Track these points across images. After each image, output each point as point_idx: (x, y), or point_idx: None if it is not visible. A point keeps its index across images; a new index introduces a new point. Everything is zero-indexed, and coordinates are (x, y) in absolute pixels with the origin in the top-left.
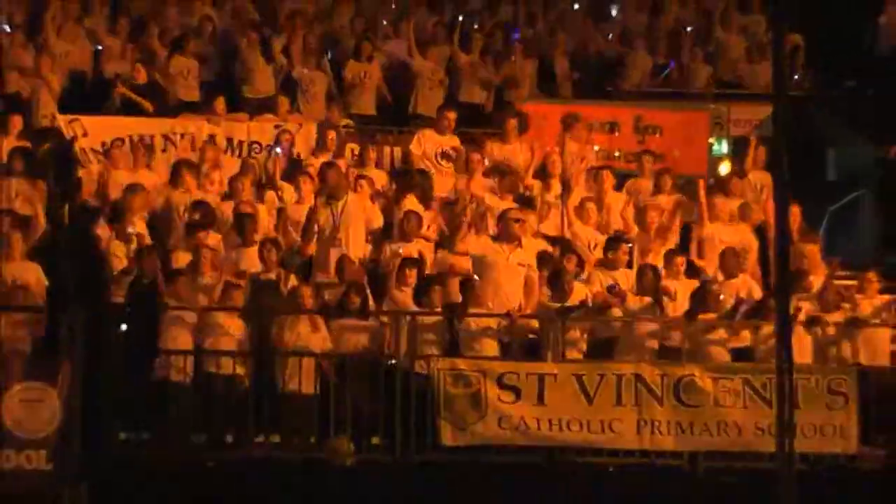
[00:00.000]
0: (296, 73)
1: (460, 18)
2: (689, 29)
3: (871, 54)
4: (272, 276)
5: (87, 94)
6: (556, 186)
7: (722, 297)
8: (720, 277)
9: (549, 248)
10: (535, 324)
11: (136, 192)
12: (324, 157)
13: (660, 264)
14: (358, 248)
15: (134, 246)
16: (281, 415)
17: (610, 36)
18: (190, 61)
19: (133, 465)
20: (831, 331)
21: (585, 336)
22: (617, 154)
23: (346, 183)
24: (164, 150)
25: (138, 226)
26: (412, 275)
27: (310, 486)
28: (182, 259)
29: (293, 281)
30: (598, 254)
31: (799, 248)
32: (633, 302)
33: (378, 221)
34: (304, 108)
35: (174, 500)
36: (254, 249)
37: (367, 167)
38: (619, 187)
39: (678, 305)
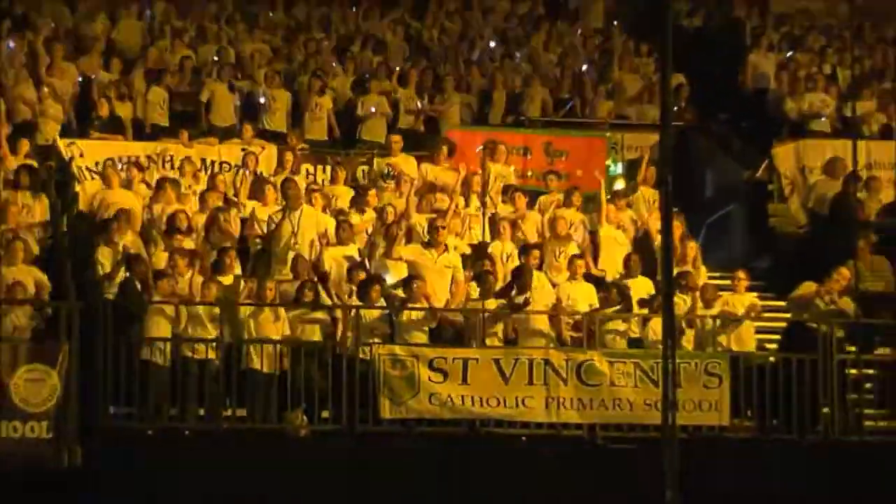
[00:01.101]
0: (261, 93)
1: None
2: (584, 68)
3: (741, 92)
4: (239, 273)
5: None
6: (477, 202)
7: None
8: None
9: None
10: (460, 316)
11: (123, 213)
12: (283, 175)
13: (565, 267)
14: (311, 251)
15: (120, 257)
16: (246, 392)
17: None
18: (164, 92)
19: (120, 434)
20: (709, 323)
21: (503, 327)
22: (530, 174)
23: (302, 196)
24: (147, 168)
25: (128, 237)
26: (358, 276)
27: (270, 453)
28: (161, 260)
29: (257, 277)
30: (513, 263)
31: (683, 251)
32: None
33: (330, 229)
34: (269, 124)
35: (154, 464)
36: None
37: (320, 183)
38: (532, 203)
39: (578, 301)
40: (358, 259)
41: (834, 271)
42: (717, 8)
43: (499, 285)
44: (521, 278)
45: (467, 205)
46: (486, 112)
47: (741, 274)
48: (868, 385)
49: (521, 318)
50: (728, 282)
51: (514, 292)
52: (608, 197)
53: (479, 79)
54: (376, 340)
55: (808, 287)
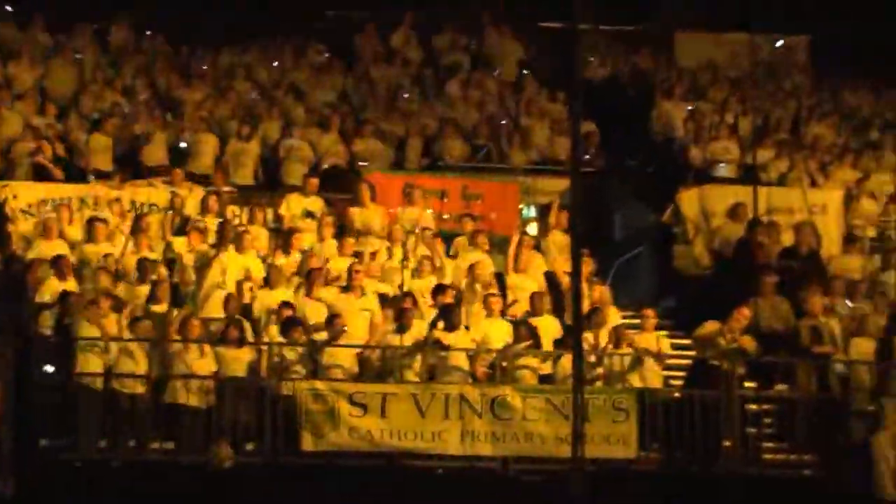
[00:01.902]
0: (187, 137)
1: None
2: (504, 122)
3: (648, 139)
4: (167, 310)
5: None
6: (399, 248)
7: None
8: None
9: (391, 294)
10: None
11: (56, 253)
12: (210, 217)
13: (480, 306)
14: (239, 290)
15: (53, 295)
16: (174, 425)
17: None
18: (106, 138)
19: (52, 465)
20: (617, 363)
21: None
22: (446, 217)
23: (230, 237)
24: (79, 210)
25: (61, 276)
26: (284, 313)
27: (197, 484)
28: (92, 297)
29: (184, 315)
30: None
31: (593, 292)
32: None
33: (256, 270)
34: (193, 166)
35: (83, 494)
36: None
37: (247, 225)
38: (448, 244)
39: (493, 339)
40: (284, 299)
41: (736, 311)
42: (625, 59)
43: (416, 323)
44: (449, 316)
45: (389, 246)
46: (404, 157)
47: (649, 313)
48: (767, 420)
49: (441, 354)
50: (637, 321)
51: (441, 327)
52: (520, 240)
53: (399, 125)
54: (298, 376)
55: (711, 326)
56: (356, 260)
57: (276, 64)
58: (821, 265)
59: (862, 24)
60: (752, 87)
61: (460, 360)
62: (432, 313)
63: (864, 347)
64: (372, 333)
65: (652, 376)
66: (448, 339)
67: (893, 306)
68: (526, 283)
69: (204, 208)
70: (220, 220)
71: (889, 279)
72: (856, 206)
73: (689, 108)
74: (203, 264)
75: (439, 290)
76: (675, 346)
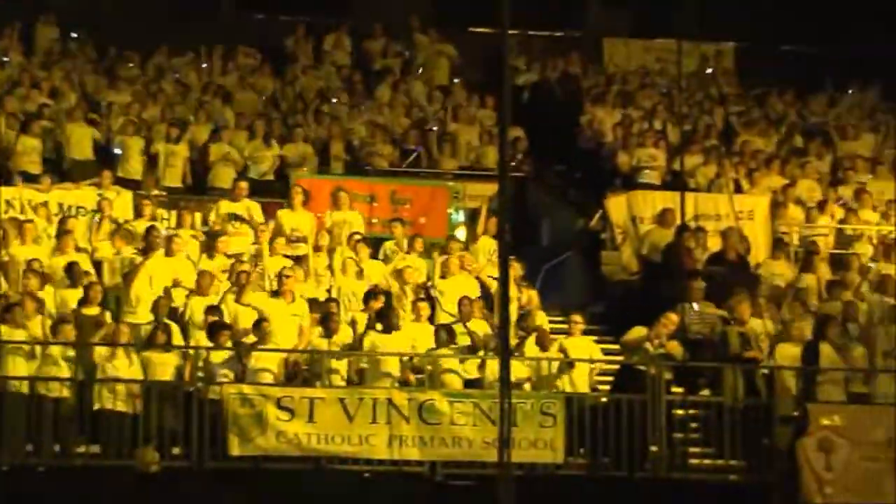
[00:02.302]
0: (117, 141)
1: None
2: (434, 129)
3: (576, 145)
4: (95, 314)
5: None
6: (325, 252)
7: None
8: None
9: (321, 298)
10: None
11: None
12: (141, 221)
13: (410, 309)
14: (167, 295)
15: None
16: (99, 429)
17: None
18: (33, 140)
19: None
20: (545, 365)
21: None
22: (375, 221)
23: (158, 241)
24: (6, 212)
25: None
26: (211, 318)
27: (123, 489)
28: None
29: (110, 318)
30: (358, 304)
31: (520, 297)
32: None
33: (185, 273)
34: (122, 171)
35: (8, 499)
36: (80, 291)
37: (176, 229)
38: (377, 249)
39: (420, 344)
40: (212, 303)
41: (663, 316)
42: (554, 65)
43: (343, 328)
44: (386, 319)
45: (318, 251)
46: (332, 161)
47: (577, 318)
48: (693, 425)
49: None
50: (565, 325)
51: (379, 328)
52: (450, 244)
53: (328, 129)
54: (226, 380)
55: (638, 331)
56: (287, 264)
57: (204, 66)
58: (748, 271)
59: (788, 31)
60: (680, 93)
61: (391, 364)
62: (363, 318)
63: (789, 353)
64: (300, 339)
65: (580, 381)
66: (383, 342)
67: (817, 312)
68: (456, 288)
69: (132, 212)
70: (149, 223)
71: (812, 285)
72: (782, 213)
73: (618, 114)
74: (130, 269)
75: (371, 294)
76: (602, 352)
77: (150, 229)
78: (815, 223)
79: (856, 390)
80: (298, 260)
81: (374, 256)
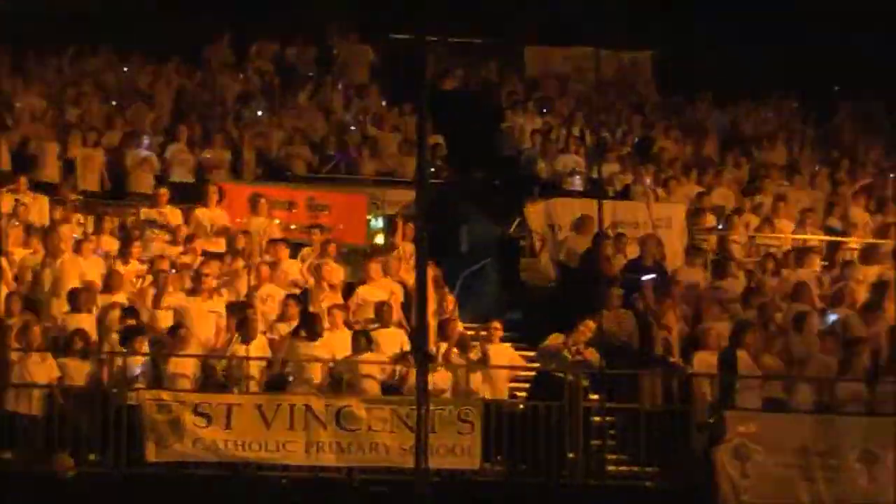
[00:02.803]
0: (34, 145)
1: None
2: (353, 128)
3: (496, 152)
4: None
5: None
6: (244, 256)
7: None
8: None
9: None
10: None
11: None
12: (59, 226)
13: (326, 316)
14: (83, 298)
15: None
16: (13, 434)
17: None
18: None
19: None
20: (462, 371)
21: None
22: (293, 227)
23: (70, 244)
24: None
25: None
26: (126, 322)
27: (38, 494)
28: None
29: (24, 321)
30: (273, 307)
31: (440, 303)
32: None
33: (99, 278)
34: (38, 174)
35: None
36: None
37: (93, 233)
38: (295, 254)
39: (338, 348)
40: (127, 306)
41: (580, 323)
42: (473, 70)
43: (261, 331)
44: (311, 325)
45: (234, 253)
46: (252, 167)
47: (496, 324)
48: (611, 431)
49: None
50: (483, 332)
51: (303, 334)
52: (369, 251)
53: (247, 135)
54: (142, 385)
55: (555, 338)
56: (203, 263)
57: (125, 70)
58: (666, 278)
59: (705, 40)
60: (599, 100)
61: (313, 370)
62: (281, 323)
63: (705, 360)
64: (217, 338)
65: (499, 388)
66: (307, 348)
67: (734, 319)
68: (374, 294)
69: (48, 217)
70: (64, 227)
71: (728, 291)
72: (698, 220)
73: (538, 121)
74: (46, 272)
75: (285, 301)
76: (520, 358)
77: (55, 233)
78: (731, 231)
79: (772, 396)
80: (217, 257)
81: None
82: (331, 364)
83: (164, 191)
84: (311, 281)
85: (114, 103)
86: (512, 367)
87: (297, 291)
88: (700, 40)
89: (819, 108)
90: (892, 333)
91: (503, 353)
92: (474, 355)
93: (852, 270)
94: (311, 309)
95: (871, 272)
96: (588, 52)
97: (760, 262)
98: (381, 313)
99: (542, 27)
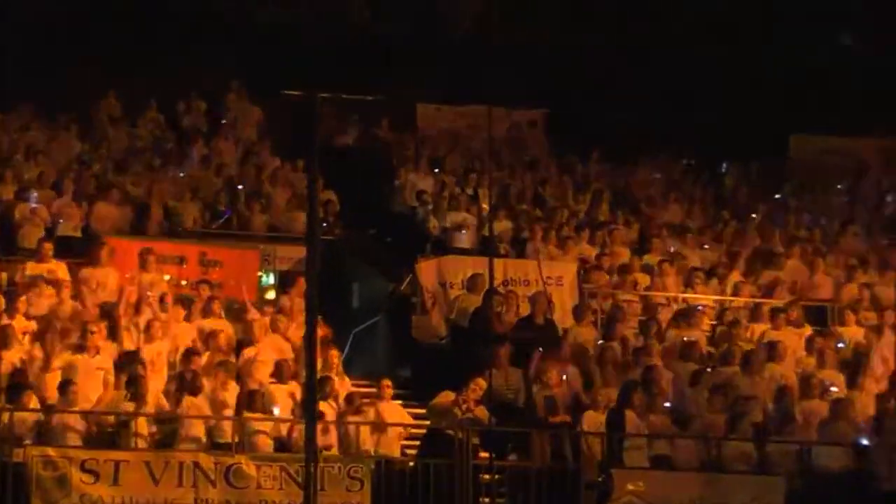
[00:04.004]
0: None
1: None
2: (240, 187)
3: (388, 209)
4: None
5: None
6: (131, 310)
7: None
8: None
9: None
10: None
11: None
12: None
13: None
14: None
15: None
16: None
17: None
18: None
19: None
20: (352, 428)
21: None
22: (184, 283)
23: None
24: None
25: None
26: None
27: None
28: None
29: None
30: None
31: (327, 360)
32: None
33: None
34: None
35: None
36: None
37: None
38: (185, 311)
39: (226, 405)
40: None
41: (471, 381)
42: (366, 127)
43: (151, 388)
44: (192, 381)
45: (125, 310)
46: (143, 222)
47: (386, 382)
48: (500, 489)
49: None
50: (373, 389)
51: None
52: (259, 307)
53: (138, 189)
54: (28, 442)
55: (446, 396)
56: (89, 321)
57: (15, 125)
58: (556, 336)
59: (598, 100)
60: (492, 158)
61: (197, 427)
62: (169, 379)
63: (594, 419)
64: (105, 394)
65: (389, 445)
66: (194, 404)
67: (622, 378)
68: (266, 351)
69: None
70: None
71: (616, 350)
72: (590, 279)
73: (430, 178)
74: None
75: (180, 355)
76: (412, 416)
77: None
78: (622, 290)
79: (660, 454)
80: (104, 316)
81: (185, 318)
82: (213, 422)
83: (48, 245)
84: (199, 338)
85: (2, 158)
86: (402, 425)
87: (186, 348)
88: (590, 100)
89: (709, 169)
90: (779, 392)
91: (393, 411)
92: (364, 413)
93: (740, 329)
94: (197, 365)
95: (759, 330)
96: (481, 110)
97: (649, 321)
98: (282, 369)
99: (434, 86)
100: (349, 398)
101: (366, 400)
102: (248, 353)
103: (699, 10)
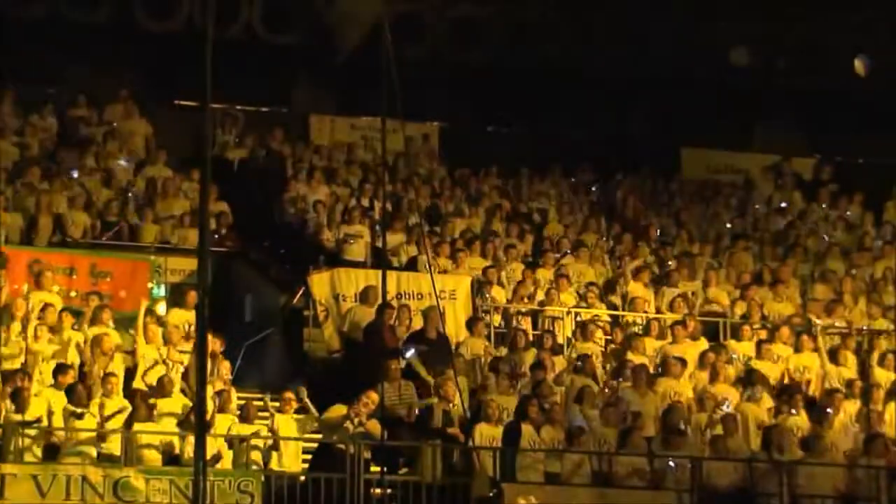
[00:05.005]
0: None
1: None
2: (130, 194)
3: (281, 221)
4: None
5: None
6: (18, 324)
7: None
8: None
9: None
10: None
11: None
12: None
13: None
14: None
15: None
16: None
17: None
18: None
19: None
20: (244, 445)
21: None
22: (74, 294)
23: None
24: None
25: None
26: None
27: None
28: None
29: None
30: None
31: (218, 372)
32: None
33: None
34: None
35: None
36: None
37: None
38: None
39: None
40: None
41: (363, 395)
42: (259, 139)
43: (34, 401)
44: (82, 394)
45: (10, 320)
46: (33, 232)
47: (290, 395)
48: (392, 503)
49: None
50: (261, 402)
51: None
52: (148, 318)
53: (29, 199)
54: None
55: (338, 410)
56: None
57: None
58: (450, 349)
59: (492, 113)
60: (385, 171)
61: (84, 440)
62: (56, 391)
63: (487, 432)
64: None
65: (288, 459)
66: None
67: (521, 392)
68: (156, 362)
69: None
70: None
71: (520, 363)
72: (484, 293)
73: (323, 190)
74: None
75: (60, 369)
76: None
77: None
78: (515, 303)
79: (551, 469)
80: None
81: (73, 327)
82: (102, 433)
83: None
84: (87, 349)
85: None
86: (293, 438)
87: (74, 359)
88: (483, 115)
89: (601, 183)
90: (669, 410)
91: (289, 425)
92: (255, 426)
93: (634, 343)
94: (87, 377)
95: (653, 346)
96: (375, 122)
97: (543, 335)
98: (162, 383)
99: (329, 97)
100: (241, 411)
101: (263, 413)
102: (137, 364)
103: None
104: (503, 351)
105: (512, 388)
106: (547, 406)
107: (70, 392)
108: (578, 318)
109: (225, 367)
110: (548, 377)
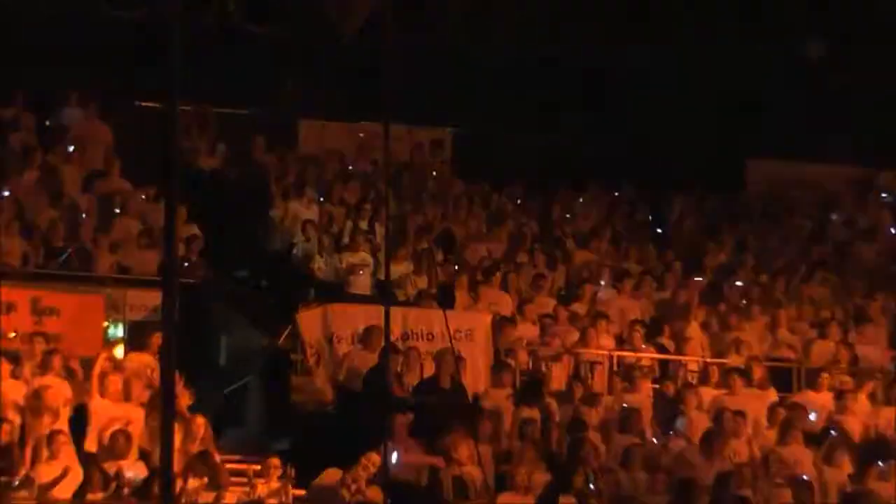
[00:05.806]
0: None
1: None
2: (84, 215)
3: (264, 246)
4: None
5: None
6: None
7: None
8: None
9: None
10: None
11: None
12: None
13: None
14: None
15: None
16: None
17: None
18: None
19: None
20: None
21: None
22: (13, 335)
23: None
24: None
25: None
26: None
27: None
28: None
29: None
30: None
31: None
32: None
33: None
34: None
35: None
36: None
37: None
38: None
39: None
40: None
41: (363, 457)
42: (237, 147)
43: None
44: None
45: None
46: None
47: (274, 461)
48: None
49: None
50: (243, 466)
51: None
52: (105, 363)
53: None
54: None
55: (331, 475)
56: None
57: None
58: (466, 401)
59: (519, 119)
60: (388, 187)
61: None
62: None
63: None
64: None
65: None
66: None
67: (548, 453)
68: (110, 412)
69: None
70: None
71: (534, 417)
72: (507, 332)
73: (314, 209)
74: None
75: (4, 423)
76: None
77: None
78: (545, 346)
79: None
80: None
81: (13, 375)
82: None
83: None
84: (29, 403)
85: None
86: None
87: (13, 415)
88: (506, 119)
89: (650, 202)
90: (723, 475)
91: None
92: (233, 495)
93: (689, 395)
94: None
95: (710, 397)
96: (376, 128)
97: (579, 383)
98: (117, 442)
99: (320, 99)
100: (213, 478)
101: (244, 479)
102: (93, 415)
103: None
104: (529, 404)
105: (540, 450)
106: (589, 472)
107: (6, 453)
108: (621, 363)
109: (197, 423)
110: (590, 436)
